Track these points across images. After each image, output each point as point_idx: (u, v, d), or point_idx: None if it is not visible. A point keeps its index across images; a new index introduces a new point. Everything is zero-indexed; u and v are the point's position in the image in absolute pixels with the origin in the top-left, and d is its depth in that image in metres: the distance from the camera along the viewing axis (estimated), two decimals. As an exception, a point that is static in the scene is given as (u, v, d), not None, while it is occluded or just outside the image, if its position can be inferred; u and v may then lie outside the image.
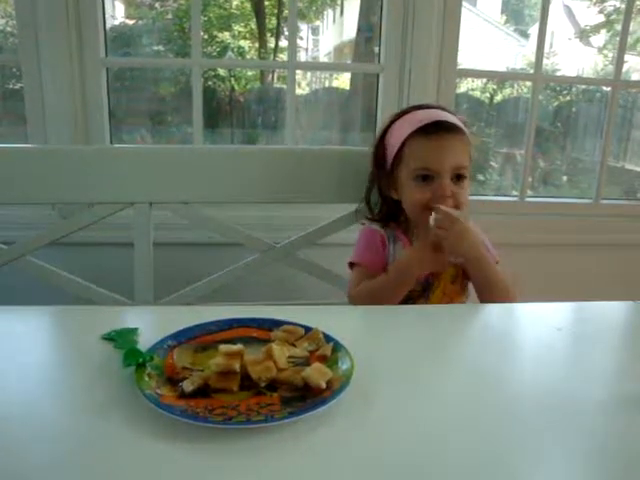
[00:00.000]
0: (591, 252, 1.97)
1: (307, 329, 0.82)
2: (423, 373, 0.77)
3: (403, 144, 1.18)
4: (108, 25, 1.81)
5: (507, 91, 2.74)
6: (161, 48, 2.25)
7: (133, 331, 0.83)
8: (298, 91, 2.20)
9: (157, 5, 2.27)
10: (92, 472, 0.55)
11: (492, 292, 1.15)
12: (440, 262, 1.15)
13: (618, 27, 2.03)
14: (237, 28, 2.43)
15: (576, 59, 2.96)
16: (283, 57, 2.34)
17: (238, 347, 0.72)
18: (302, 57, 2.71)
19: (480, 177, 2.41)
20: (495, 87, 2.66)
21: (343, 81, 2.54)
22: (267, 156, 1.40)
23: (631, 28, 1.95)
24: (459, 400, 0.70)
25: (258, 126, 2.31)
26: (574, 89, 2.59)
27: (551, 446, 0.60)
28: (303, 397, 0.67)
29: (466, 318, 1.02)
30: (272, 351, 0.72)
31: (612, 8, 2.47)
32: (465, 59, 1.99)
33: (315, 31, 2.85)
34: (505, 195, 2.37)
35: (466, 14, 1.85)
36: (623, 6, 1.93)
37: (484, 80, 2.64)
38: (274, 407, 0.65)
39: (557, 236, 1.98)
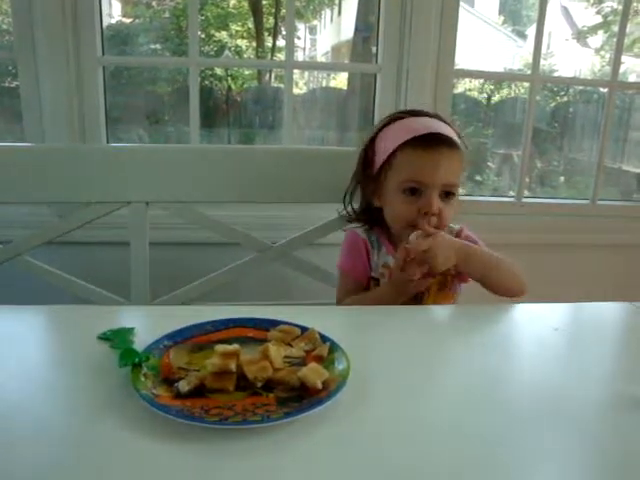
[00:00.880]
0: (588, 253, 1.98)
1: (303, 329, 0.82)
2: (420, 373, 0.77)
3: (395, 152, 1.12)
4: (105, 23, 1.81)
5: (504, 92, 2.75)
6: (158, 47, 2.24)
7: (129, 331, 0.83)
8: (295, 91, 2.19)
9: (154, 4, 2.26)
10: (88, 472, 0.55)
11: (500, 280, 1.11)
12: (419, 285, 1.11)
13: (615, 28, 2.03)
14: (234, 27, 2.43)
15: (573, 60, 2.97)
16: (280, 56, 2.34)
17: (234, 347, 0.72)
18: (299, 57, 2.71)
19: (477, 177, 2.41)
20: (492, 87, 2.66)
21: (340, 81, 2.54)
22: (264, 156, 1.40)
23: (628, 29, 1.96)
24: (456, 400, 0.70)
25: (255, 125, 2.31)
26: (571, 90, 2.60)
27: (548, 445, 0.60)
28: (299, 397, 0.66)
29: (463, 318, 1.02)
30: (268, 351, 0.72)
31: (609, 9, 2.47)
32: (463, 59, 1.99)
33: (313, 31, 2.85)
34: (502, 196, 2.37)
35: (464, 14, 1.85)
36: (620, 7, 1.94)
37: (481, 80, 2.64)
38: (270, 407, 0.64)
39: (554, 237, 1.98)
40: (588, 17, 2.65)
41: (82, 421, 0.63)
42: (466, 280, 1.20)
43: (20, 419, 0.63)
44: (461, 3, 1.81)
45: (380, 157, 1.16)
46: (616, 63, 1.96)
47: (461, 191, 1.18)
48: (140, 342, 0.78)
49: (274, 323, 0.84)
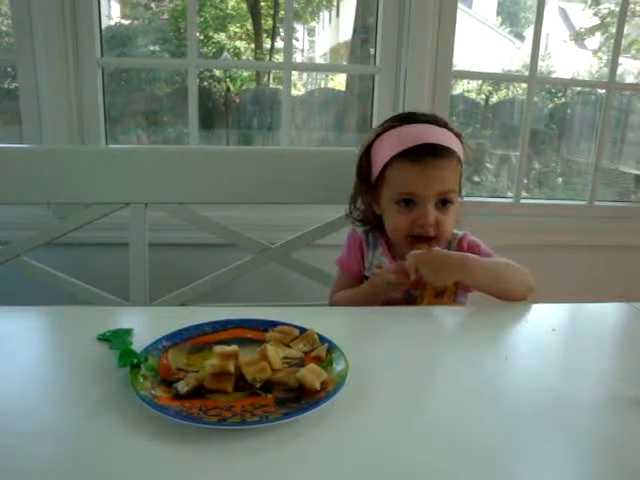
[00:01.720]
0: (585, 254, 1.98)
1: (302, 330, 0.83)
2: (418, 374, 0.78)
3: (387, 164, 1.11)
4: (104, 25, 1.81)
5: (502, 93, 2.75)
6: (157, 48, 2.24)
7: (128, 332, 0.83)
8: (294, 92, 2.19)
9: (153, 5, 2.26)
10: (87, 472, 0.55)
11: (507, 290, 1.06)
12: (395, 290, 1.09)
13: (613, 30, 2.03)
14: (233, 29, 2.43)
15: (571, 61, 2.97)
16: (279, 58, 2.34)
17: (233, 348, 0.72)
18: (298, 58, 2.71)
19: (475, 178, 2.41)
20: (490, 89, 2.66)
21: (339, 82, 2.54)
22: (263, 157, 1.40)
23: (625, 31, 1.96)
24: (454, 401, 0.70)
25: (254, 127, 2.31)
26: (569, 91, 2.60)
27: (546, 446, 0.60)
28: (298, 398, 0.67)
29: (461, 319, 1.02)
30: (267, 352, 0.72)
31: (607, 11, 2.48)
32: (460, 61, 1.99)
33: (311, 32, 2.85)
34: (500, 196, 2.37)
35: (461, 16, 1.85)
36: (618, 9, 1.94)
37: (479, 82, 2.64)
38: (269, 408, 0.65)
39: (552, 237, 1.99)
40: (585, 18, 2.66)
41: (81, 421, 0.63)
42: (470, 290, 1.18)
43: (19, 420, 0.63)
44: (459, 4, 1.81)
45: (375, 169, 1.15)
46: (614, 64, 1.96)
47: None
48: (139, 343, 0.78)
49: (273, 324, 0.85)
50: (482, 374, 0.78)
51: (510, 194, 2.11)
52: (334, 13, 2.90)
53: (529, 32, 2.12)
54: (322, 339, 0.80)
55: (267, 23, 2.48)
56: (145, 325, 0.91)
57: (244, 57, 2.53)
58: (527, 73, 1.96)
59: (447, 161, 1.09)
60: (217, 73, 2.33)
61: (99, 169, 1.32)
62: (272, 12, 2.51)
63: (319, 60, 2.95)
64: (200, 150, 1.62)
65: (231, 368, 0.69)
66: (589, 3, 2.57)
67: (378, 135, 1.15)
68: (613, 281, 1.86)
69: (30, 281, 1.31)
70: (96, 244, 1.65)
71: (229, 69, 2.38)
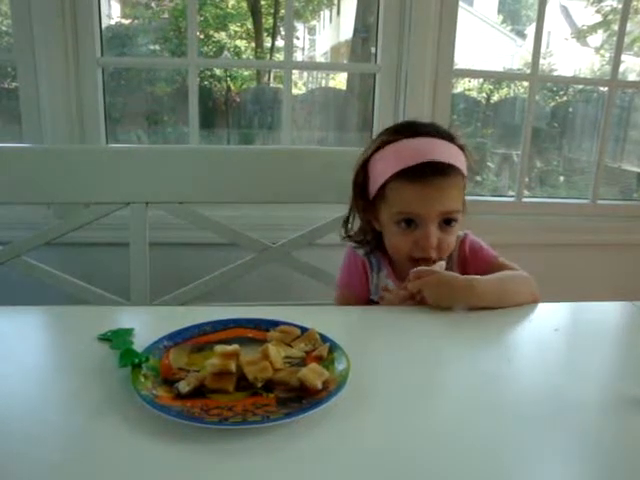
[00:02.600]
0: (588, 252, 1.98)
1: (303, 329, 0.82)
2: (419, 373, 0.77)
3: (386, 183, 1.05)
4: (104, 24, 1.81)
5: (504, 91, 2.75)
6: (157, 48, 2.24)
7: (129, 331, 0.83)
8: (294, 91, 2.19)
9: (153, 4, 2.26)
10: (88, 472, 0.55)
11: (515, 302, 1.01)
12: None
13: (615, 27, 2.03)
14: (233, 28, 2.43)
15: (573, 59, 2.97)
16: (279, 57, 2.34)
17: (234, 347, 0.72)
18: (298, 57, 2.71)
19: (477, 177, 2.41)
20: (492, 87, 2.66)
21: (340, 81, 2.54)
22: (263, 156, 1.40)
23: (628, 28, 1.96)
24: (456, 400, 0.70)
25: (254, 126, 2.31)
26: (571, 89, 2.60)
27: (548, 446, 0.60)
28: (299, 398, 0.66)
29: (463, 319, 1.01)
30: (268, 351, 0.71)
31: (609, 8, 2.47)
32: (462, 59, 1.99)
33: (312, 31, 2.85)
34: (502, 195, 2.37)
35: (463, 14, 1.84)
36: (620, 6, 1.94)
37: (481, 80, 2.64)
38: (270, 408, 0.64)
39: (554, 236, 1.98)
40: (588, 16, 2.65)
41: (82, 421, 0.63)
42: None
43: (20, 420, 0.63)
44: (460, 3, 1.81)
45: (373, 185, 1.09)
46: (616, 62, 1.95)
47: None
48: (140, 343, 0.78)
49: (274, 323, 0.84)
50: (484, 374, 0.77)
51: (512, 193, 2.11)
52: (335, 12, 2.90)
53: (530, 30, 2.12)
54: (324, 338, 0.80)
55: (267, 22, 2.48)
56: (146, 325, 0.91)
57: (244, 56, 2.53)
58: (529, 71, 1.95)
59: (450, 179, 1.03)
60: (217, 72, 2.33)
61: (99, 169, 1.32)
62: (272, 11, 2.51)
63: (320, 59, 2.95)
64: (200, 149, 1.62)
65: (232, 368, 0.69)
66: (591, 0, 2.57)
67: (376, 149, 1.09)
68: (616, 280, 1.85)
69: (31, 281, 1.30)
70: (97, 244, 1.65)
71: (229, 68, 2.38)
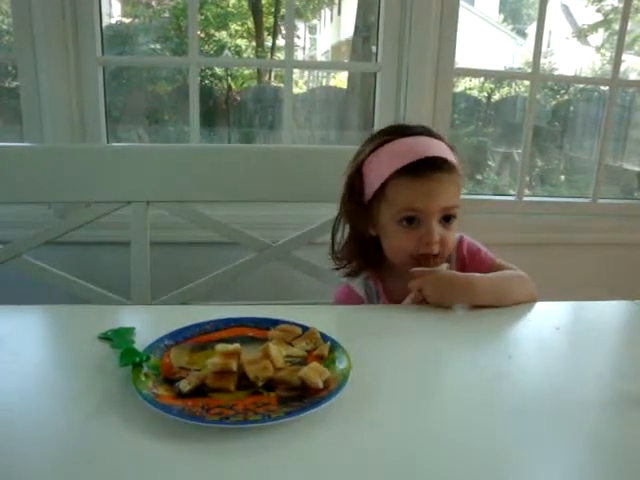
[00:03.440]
0: (589, 251, 1.97)
1: (304, 328, 0.82)
2: (421, 372, 0.77)
3: (385, 182, 1.03)
4: (105, 23, 1.80)
5: (505, 90, 2.75)
6: (158, 46, 2.24)
7: (130, 330, 0.83)
8: (295, 90, 2.19)
9: (154, 3, 2.26)
10: (88, 471, 0.55)
11: (512, 302, 1.01)
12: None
13: (616, 26, 2.03)
14: (234, 27, 2.43)
15: (574, 58, 2.96)
16: (280, 56, 2.34)
17: (235, 346, 0.72)
18: (299, 56, 2.71)
19: (478, 176, 2.41)
20: (493, 86, 2.66)
21: (340, 80, 2.54)
22: (264, 155, 1.40)
23: (629, 27, 1.95)
24: (457, 399, 0.70)
25: (255, 125, 2.31)
26: (572, 88, 2.60)
27: (549, 444, 0.60)
28: (300, 397, 0.66)
29: (464, 317, 1.01)
30: (269, 350, 0.71)
31: (610, 7, 2.47)
32: (463, 58, 1.98)
33: (312, 30, 2.85)
34: (503, 194, 2.37)
35: (463, 13, 1.84)
36: (621, 5, 1.93)
37: (482, 79, 2.64)
38: (271, 407, 0.64)
39: (555, 235, 1.98)
40: (588, 15, 2.65)
41: (83, 421, 0.63)
42: None
43: (20, 419, 0.63)
44: (461, 2, 1.80)
45: (370, 187, 1.07)
46: (617, 61, 1.95)
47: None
48: (141, 342, 0.78)
49: (275, 322, 0.84)
50: (485, 373, 0.77)
51: (512, 192, 2.10)
52: (335, 11, 2.90)
53: (531, 29, 2.12)
54: (324, 337, 0.80)
55: (268, 21, 2.48)
56: (147, 324, 0.91)
57: (245, 55, 2.53)
58: (529, 70, 1.95)
59: (449, 175, 1.03)
60: (218, 71, 2.33)
61: (100, 168, 1.32)
62: (273, 10, 2.51)
63: (320, 58, 2.95)
64: (201, 148, 1.62)
65: (233, 367, 0.69)
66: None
67: (371, 152, 1.07)
68: (617, 279, 1.85)
69: (31, 280, 1.30)
70: (97, 243, 1.65)
71: (230, 67, 2.38)
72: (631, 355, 0.87)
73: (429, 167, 1.01)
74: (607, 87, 2.04)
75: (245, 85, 2.44)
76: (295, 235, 1.38)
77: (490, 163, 2.50)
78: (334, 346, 0.77)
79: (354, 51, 2.38)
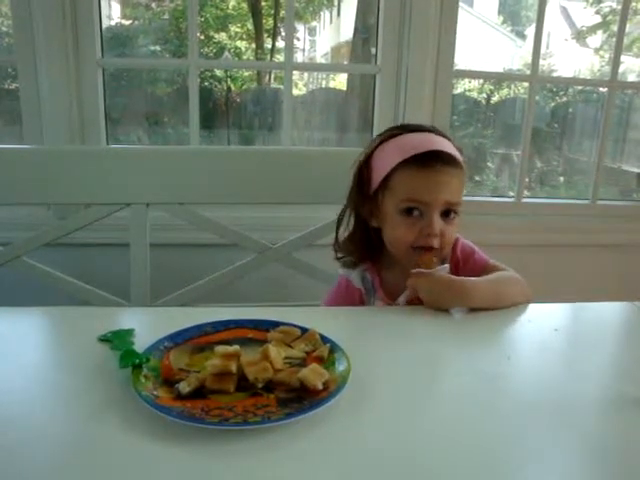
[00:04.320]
0: (588, 253, 1.98)
1: (303, 330, 0.82)
2: (420, 374, 0.77)
3: (391, 172, 1.05)
4: (104, 25, 1.81)
5: (504, 92, 2.75)
6: (157, 48, 2.24)
7: (129, 332, 0.83)
8: (295, 92, 2.20)
9: (153, 5, 2.26)
10: (88, 473, 0.55)
11: (505, 305, 1.01)
12: None
13: (614, 28, 2.03)
14: (234, 29, 2.44)
15: (573, 60, 2.97)
16: (280, 58, 2.34)
17: (234, 348, 0.72)
18: (299, 58, 2.71)
19: (477, 178, 2.41)
20: (492, 88, 2.66)
21: (340, 82, 2.54)
22: (264, 157, 1.40)
23: (627, 29, 1.96)
24: (456, 400, 0.70)
25: (255, 127, 2.31)
26: (571, 90, 2.60)
27: (548, 446, 0.60)
28: (300, 398, 0.66)
29: (463, 319, 1.02)
30: (268, 352, 0.71)
31: (608, 9, 2.48)
32: (462, 60, 1.99)
33: (312, 32, 2.85)
34: (502, 196, 2.37)
35: (463, 15, 1.85)
36: (619, 7, 1.94)
37: (481, 81, 2.64)
38: (271, 408, 0.64)
39: (553, 237, 1.98)
40: (587, 17, 2.66)
41: (82, 422, 0.63)
42: None
43: (20, 420, 0.63)
44: (460, 3, 1.81)
45: (376, 177, 1.09)
46: (615, 63, 1.96)
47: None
48: (140, 343, 0.78)
49: (274, 324, 0.84)
50: (484, 374, 0.77)
51: (512, 193, 2.11)
52: (335, 13, 2.91)
53: (530, 31, 2.12)
54: (324, 339, 0.80)
55: (268, 23, 2.48)
56: (146, 325, 0.91)
57: (245, 57, 2.53)
58: (529, 72, 1.95)
59: (454, 170, 1.05)
60: (218, 73, 2.33)
61: (100, 169, 1.32)
62: (273, 12, 2.51)
63: (320, 60, 2.95)
64: (201, 150, 1.62)
65: (233, 368, 0.69)
66: (590, 1, 2.57)
67: (379, 144, 1.11)
68: (615, 280, 1.85)
69: (31, 282, 1.30)
70: (97, 245, 1.65)
71: (230, 69, 2.38)
72: (630, 356, 0.88)
73: (434, 159, 1.03)
74: (606, 89, 2.05)
75: (245, 87, 2.45)
76: (295, 237, 1.38)
77: (489, 164, 2.50)
78: (333, 348, 0.77)
79: (354, 53, 2.38)
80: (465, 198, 1.13)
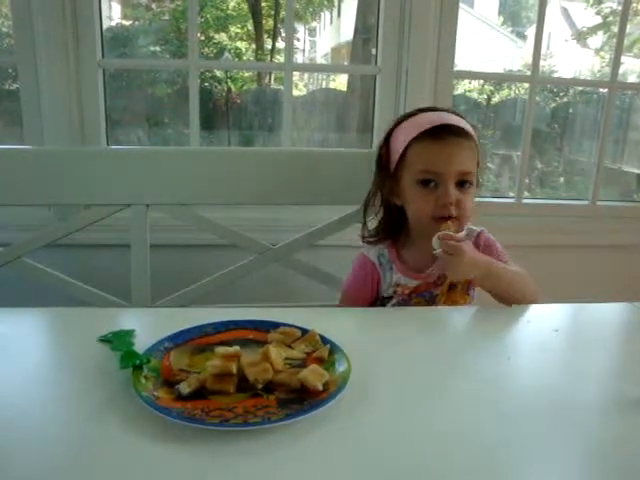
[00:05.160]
0: (588, 253, 1.97)
1: (304, 331, 0.82)
2: (420, 374, 0.77)
3: (406, 147, 1.13)
4: (105, 26, 1.80)
5: (504, 92, 2.75)
6: (158, 49, 2.24)
7: (130, 333, 0.83)
8: (295, 92, 2.20)
9: (154, 6, 2.27)
10: (89, 474, 0.55)
11: (510, 296, 1.07)
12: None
13: (615, 29, 2.03)
14: (234, 29, 2.44)
15: (573, 61, 2.97)
16: (280, 58, 2.34)
17: (235, 349, 0.72)
18: (299, 58, 2.72)
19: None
20: (492, 89, 2.66)
21: (340, 82, 2.54)
22: (264, 158, 1.40)
23: (628, 29, 1.96)
24: (456, 401, 0.70)
25: (255, 127, 2.31)
26: (571, 91, 2.60)
27: (549, 446, 0.60)
28: (300, 399, 0.67)
29: (463, 319, 1.02)
30: (269, 353, 0.72)
31: (609, 10, 2.48)
32: (462, 61, 1.99)
33: (312, 32, 2.85)
34: (502, 197, 2.37)
35: (463, 15, 1.84)
36: (620, 8, 1.94)
37: (481, 81, 2.64)
38: (271, 409, 0.65)
39: (554, 237, 1.98)
40: (588, 18, 2.66)
41: (83, 423, 0.63)
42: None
43: (21, 421, 0.63)
44: (460, 4, 1.81)
45: (394, 155, 1.17)
46: (616, 64, 1.95)
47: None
48: (141, 344, 0.78)
49: (274, 325, 0.85)
50: (484, 375, 0.77)
51: (512, 194, 2.10)
52: (335, 13, 2.91)
53: (531, 31, 2.12)
54: (324, 340, 0.80)
55: (268, 23, 2.48)
56: (147, 326, 0.91)
57: (245, 58, 2.53)
58: (529, 73, 1.95)
59: (466, 142, 1.12)
60: (218, 74, 2.33)
61: (100, 170, 1.32)
62: (273, 12, 2.51)
63: (320, 60, 2.95)
64: (201, 151, 1.62)
65: (233, 369, 0.69)
66: (591, 2, 2.57)
67: (397, 125, 1.19)
68: (615, 281, 1.85)
69: (31, 283, 1.30)
70: (97, 245, 1.65)
71: (230, 70, 2.38)
72: (630, 357, 0.88)
73: (445, 132, 1.10)
74: (606, 89, 2.05)
75: (245, 88, 2.45)
76: (296, 238, 1.38)
77: (489, 165, 2.50)
78: (333, 349, 0.78)
79: (354, 53, 2.38)
80: (473, 204, 1.14)
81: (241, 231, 1.38)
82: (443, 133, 1.10)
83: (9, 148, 1.40)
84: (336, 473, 0.56)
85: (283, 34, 2.29)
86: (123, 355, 0.74)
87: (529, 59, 1.96)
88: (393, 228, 1.22)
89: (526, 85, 2.03)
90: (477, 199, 2.09)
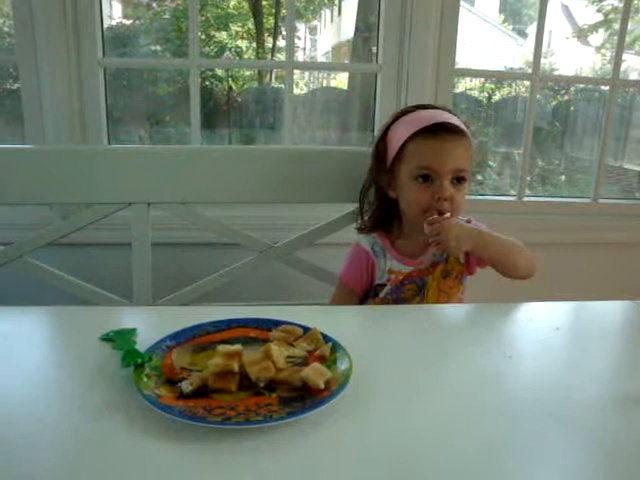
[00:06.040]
0: (589, 251, 1.97)
1: (305, 329, 0.82)
2: (421, 373, 0.77)
3: (405, 143, 1.16)
4: (105, 25, 1.80)
5: (505, 90, 2.74)
6: (158, 48, 2.24)
7: (131, 332, 0.83)
8: (296, 91, 2.19)
9: (154, 5, 2.26)
10: (91, 472, 0.55)
11: (515, 264, 1.15)
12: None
13: (616, 26, 2.03)
14: (235, 28, 2.43)
15: (574, 58, 2.97)
16: (281, 57, 2.34)
17: (236, 347, 0.72)
18: (300, 57, 2.71)
19: (478, 177, 2.41)
20: (493, 86, 2.66)
21: (341, 81, 2.54)
22: (265, 156, 1.40)
23: (629, 27, 1.95)
24: (457, 399, 0.70)
25: (256, 126, 2.30)
26: (572, 88, 2.59)
27: (549, 444, 0.60)
28: (302, 397, 0.67)
29: (464, 317, 1.02)
30: (270, 351, 0.72)
31: (610, 7, 2.47)
32: (463, 58, 1.98)
33: (313, 31, 2.85)
34: (503, 195, 2.37)
35: (464, 13, 1.84)
36: (621, 5, 1.93)
37: (482, 79, 2.64)
38: (273, 407, 0.65)
39: (555, 235, 1.98)
40: (589, 15, 2.65)
41: (85, 421, 0.63)
42: (472, 272, 1.23)
43: (23, 419, 0.63)
44: (461, 2, 1.80)
45: (392, 150, 1.20)
46: (617, 61, 1.95)
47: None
48: (142, 343, 0.78)
49: (276, 323, 0.85)
50: (486, 373, 0.77)
51: (513, 192, 2.10)
52: (336, 11, 2.91)
53: (532, 29, 2.12)
54: (326, 338, 0.80)
55: (269, 22, 2.48)
56: (149, 325, 0.91)
57: (246, 56, 2.53)
58: (530, 70, 1.95)
59: (462, 140, 1.16)
60: (219, 72, 2.33)
61: (101, 169, 1.32)
62: (274, 11, 2.51)
63: (321, 58, 2.95)
64: (202, 150, 1.61)
65: (235, 367, 0.69)
66: (592, -1, 2.56)
67: (394, 120, 1.22)
68: (617, 279, 1.85)
69: (33, 281, 1.31)
70: (99, 244, 1.65)
71: (231, 68, 2.38)
72: (631, 355, 0.88)
73: (442, 130, 1.14)
74: (607, 87, 2.04)
75: (246, 86, 2.44)
76: (297, 236, 1.38)
77: (491, 163, 2.50)
78: (335, 347, 0.78)
79: (354, 52, 2.38)
80: (466, 197, 1.15)
81: (242, 229, 1.38)
82: (441, 131, 1.14)
83: (11, 147, 1.40)
84: (338, 471, 0.56)
85: (284, 32, 2.29)
86: (125, 354, 0.75)
87: (530, 57, 1.96)
88: (386, 219, 1.26)
89: (527, 83, 2.03)
90: (478, 197, 2.10)
